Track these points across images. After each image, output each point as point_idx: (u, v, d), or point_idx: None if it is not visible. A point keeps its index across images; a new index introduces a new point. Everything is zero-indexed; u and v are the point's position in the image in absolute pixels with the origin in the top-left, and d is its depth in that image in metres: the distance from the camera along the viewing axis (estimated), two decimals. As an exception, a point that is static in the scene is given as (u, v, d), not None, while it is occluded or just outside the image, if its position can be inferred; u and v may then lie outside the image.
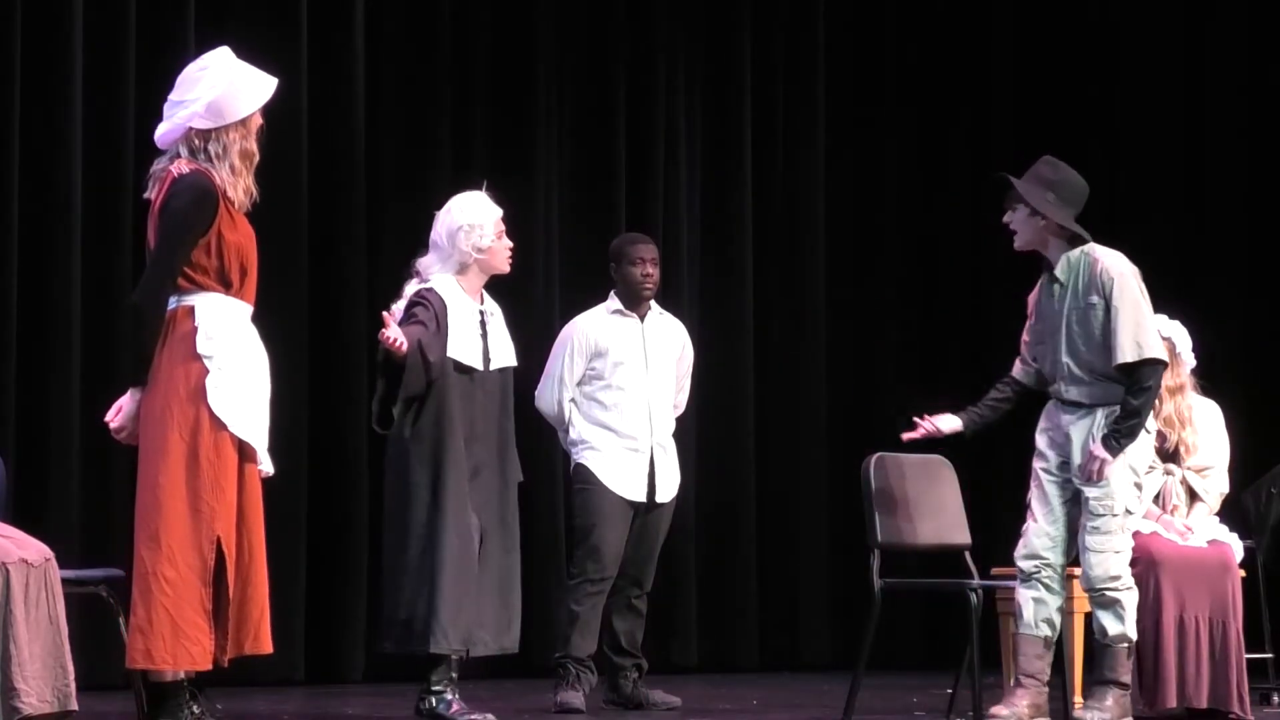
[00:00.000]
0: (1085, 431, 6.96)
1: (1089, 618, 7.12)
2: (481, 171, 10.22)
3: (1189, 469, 7.70)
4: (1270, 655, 8.61)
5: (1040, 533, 7.01)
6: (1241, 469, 8.20)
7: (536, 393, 8.09)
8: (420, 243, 9.96)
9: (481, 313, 7.15)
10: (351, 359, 9.74)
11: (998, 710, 6.91)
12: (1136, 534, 7.57)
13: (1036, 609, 6.99)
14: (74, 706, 5.74)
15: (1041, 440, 7.06)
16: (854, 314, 11.44)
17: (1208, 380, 7.86)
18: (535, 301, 10.08)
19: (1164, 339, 7.60)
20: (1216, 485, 7.75)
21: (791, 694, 9.18)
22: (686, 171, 10.89)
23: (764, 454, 11.04)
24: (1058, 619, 7.03)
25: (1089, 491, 6.92)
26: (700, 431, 10.35)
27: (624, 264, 8.11)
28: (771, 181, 11.25)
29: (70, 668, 5.74)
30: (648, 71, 10.82)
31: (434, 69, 10.14)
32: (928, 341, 11.59)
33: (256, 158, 6.02)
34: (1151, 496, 7.67)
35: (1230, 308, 11.51)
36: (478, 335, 7.10)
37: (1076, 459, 6.95)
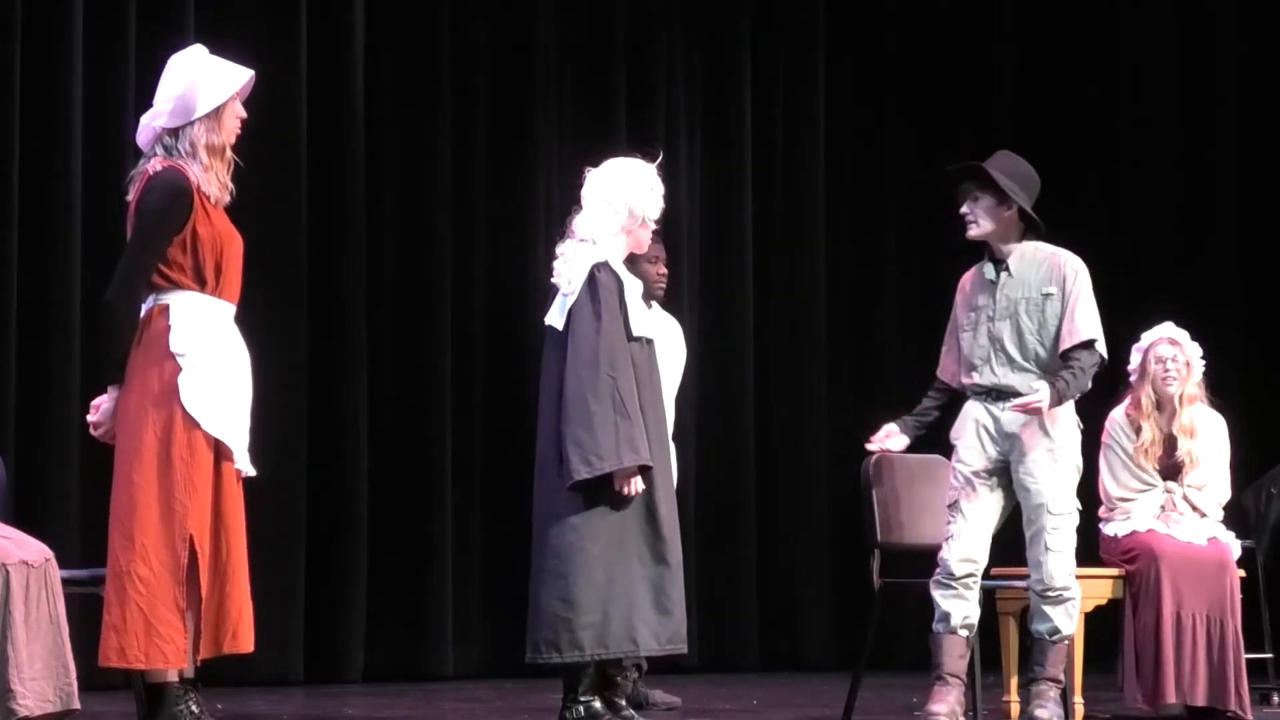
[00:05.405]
0: (1021, 418, 6.96)
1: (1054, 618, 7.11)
2: (481, 173, 10.26)
3: (1189, 486, 7.68)
4: (1270, 655, 8.62)
5: (974, 535, 7.02)
6: (1242, 473, 8.20)
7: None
8: (420, 241, 10.07)
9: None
10: (351, 358, 9.73)
11: (936, 708, 6.94)
12: (1135, 532, 7.58)
13: (963, 610, 7.02)
14: (76, 705, 5.73)
15: (969, 441, 7.04)
16: (854, 313, 11.43)
17: (1207, 381, 7.85)
18: (535, 302, 10.06)
19: (1174, 343, 7.65)
20: (1216, 497, 7.75)
21: (791, 694, 9.18)
22: (686, 171, 10.88)
23: (764, 453, 11.03)
24: (975, 620, 7.05)
25: (1046, 493, 6.96)
26: (700, 431, 10.34)
27: (640, 262, 7.97)
28: (771, 181, 11.25)
29: (72, 666, 5.73)
30: (647, 72, 10.82)
31: (434, 69, 10.13)
32: (928, 341, 11.56)
33: (227, 152, 6.00)
34: (1152, 514, 7.66)
35: (1231, 306, 11.52)
36: (644, 305, 6.76)
37: (1017, 449, 6.98)
